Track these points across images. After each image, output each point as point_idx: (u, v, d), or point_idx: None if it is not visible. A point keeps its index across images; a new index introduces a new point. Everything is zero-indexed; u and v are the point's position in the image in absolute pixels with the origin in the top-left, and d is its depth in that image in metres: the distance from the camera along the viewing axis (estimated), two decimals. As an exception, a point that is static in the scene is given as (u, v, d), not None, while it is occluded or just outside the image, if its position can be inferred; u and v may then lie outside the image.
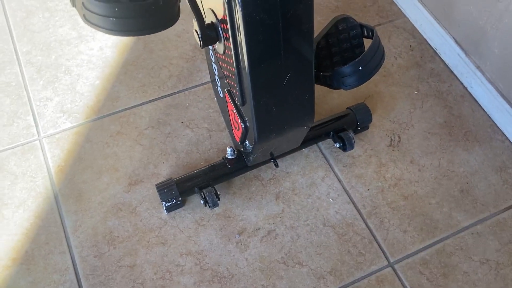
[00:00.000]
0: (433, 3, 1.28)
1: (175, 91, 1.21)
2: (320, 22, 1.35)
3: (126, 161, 1.09)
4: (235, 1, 0.71)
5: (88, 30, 1.30)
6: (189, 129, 1.15)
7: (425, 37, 1.33)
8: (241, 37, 0.75)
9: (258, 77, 0.81)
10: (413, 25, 1.35)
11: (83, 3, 0.62)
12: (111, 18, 0.61)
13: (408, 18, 1.37)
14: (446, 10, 1.24)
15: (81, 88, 1.20)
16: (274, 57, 0.79)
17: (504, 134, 1.16)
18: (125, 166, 1.09)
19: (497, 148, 1.15)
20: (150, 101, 1.19)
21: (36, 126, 1.14)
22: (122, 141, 1.12)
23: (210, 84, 1.22)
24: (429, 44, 1.32)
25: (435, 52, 1.30)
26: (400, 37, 1.33)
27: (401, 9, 1.38)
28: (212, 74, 1.08)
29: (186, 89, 1.22)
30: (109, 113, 1.16)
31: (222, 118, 1.16)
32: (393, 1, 1.40)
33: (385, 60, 1.28)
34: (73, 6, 0.67)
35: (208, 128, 1.16)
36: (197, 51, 1.27)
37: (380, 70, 1.15)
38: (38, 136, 1.12)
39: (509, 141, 1.15)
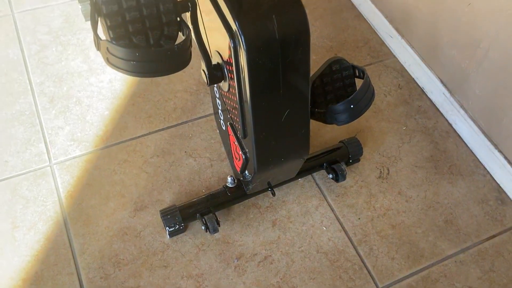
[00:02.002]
0: (420, 45, 1.38)
1: (180, 122, 1.29)
2: (316, 61, 1.44)
3: (132, 187, 1.16)
4: (240, 48, 0.80)
5: (99, 63, 1.39)
6: (192, 158, 1.23)
7: (413, 76, 1.43)
8: (245, 78, 0.84)
9: (259, 114, 0.89)
10: (402, 65, 1.45)
11: (107, 48, 0.70)
12: (132, 62, 0.70)
13: (397, 58, 1.47)
14: (432, 53, 1.35)
15: (91, 118, 1.28)
16: (274, 96, 0.88)
17: (486, 169, 1.25)
18: (131, 192, 1.15)
19: (479, 182, 1.23)
20: (156, 131, 1.27)
21: (48, 153, 1.21)
22: (129, 168, 1.19)
23: (212, 116, 1.30)
24: (416, 83, 1.41)
25: (422, 90, 1.40)
26: (389, 76, 1.43)
27: (391, 50, 1.49)
28: (215, 107, 1.16)
29: (190, 121, 1.30)
30: (117, 142, 1.24)
31: (223, 149, 1.24)
32: (383, 42, 1.51)
33: (375, 97, 1.37)
34: (98, 50, 0.75)
35: (210, 157, 1.23)
36: (200, 86, 1.36)
37: (371, 107, 1.25)
38: (50, 162, 1.19)
39: (490, 175, 1.24)
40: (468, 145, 1.29)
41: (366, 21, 1.56)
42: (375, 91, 1.38)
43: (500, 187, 1.22)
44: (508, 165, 1.18)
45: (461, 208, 1.18)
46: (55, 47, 1.42)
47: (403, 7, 1.40)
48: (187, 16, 0.84)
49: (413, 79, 1.42)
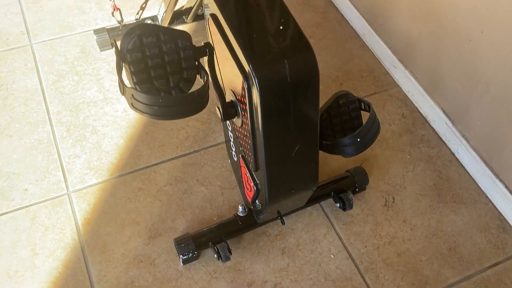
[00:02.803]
0: (423, 76, 1.43)
1: (192, 150, 1.34)
2: (322, 91, 1.48)
3: (147, 215, 1.21)
4: (254, 89, 0.85)
5: (113, 93, 1.45)
6: (204, 186, 1.27)
7: (416, 106, 1.48)
8: (258, 117, 0.89)
9: (271, 149, 0.94)
10: (405, 94, 1.50)
11: (132, 94, 0.75)
12: (155, 107, 0.75)
13: (401, 88, 1.52)
14: (434, 84, 1.40)
15: (106, 146, 1.33)
16: (285, 133, 0.93)
17: (488, 197, 1.29)
18: (145, 220, 1.20)
19: (481, 210, 1.27)
20: (169, 159, 1.32)
21: (65, 182, 1.26)
22: (143, 196, 1.24)
23: (223, 145, 1.35)
24: (420, 112, 1.46)
25: (425, 120, 1.45)
26: (394, 105, 1.48)
27: (395, 79, 1.54)
28: (227, 137, 1.21)
29: (202, 149, 1.35)
30: (132, 171, 1.29)
31: (234, 177, 1.28)
32: (388, 72, 1.56)
33: (380, 126, 1.42)
34: (122, 95, 0.80)
35: (221, 185, 1.28)
36: (211, 115, 1.41)
37: (376, 136, 1.29)
38: (67, 191, 1.24)
39: (492, 203, 1.28)
40: (471, 173, 1.33)
41: (371, 51, 1.61)
42: (380, 120, 1.43)
43: (502, 215, 1.26)
44: (509, 194, 1.23)
45: (464, 236, 1.22)
46: (71, 77, 1.48)
47: (406, 39, 1.45)
48: (204, 60, 0.89)
49: (417, 108, 1.47)
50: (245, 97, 0.89)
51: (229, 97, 0.99)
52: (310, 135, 0.96)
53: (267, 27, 0.89)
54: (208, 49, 0.86)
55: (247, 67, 0.85)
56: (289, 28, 0.90)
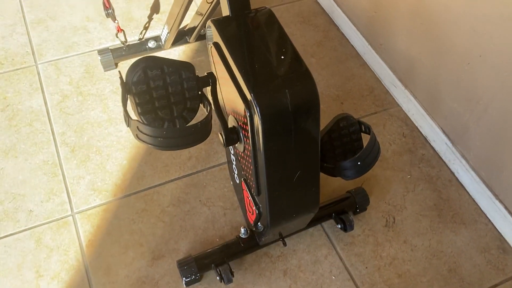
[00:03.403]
0: (423, 96, 1.45)
1: (194, 171, 1.36)
2: (323, 110, 1.51)
3: (150, 237, 1.22)
4: (255, 117, 0.86)
5: (117, 113, 1.47)
6: (206, 207, 1.29)
7: (416, 125, 1.49)
8: (260, 144, 0.90)
9: (272, 175, 0.95)
10: (406, 114, 1.52)
11: (137, 126, 0.77)
12: (159, 138, 0.76)
13: (401, 107, 1.54)
14: (434, 104, 1.41)
15: (110, 167, 1.35)
16: (287, 159, 0.94)
17: (488, 218, 1.30)
18: (148, 241, 1.21)
19: (481, 231, 1.28)
20: (172, 180, 1.33)
21: (70, 203, 1.27)
22: (147, 218, 1.26)
23: (226, 165, 1.37)
24: (420, 132, 1.48)
25: (425, 139, 1.46)
26: (394, 124, 1.50)
27: (395, 99, 1.56)
28: (229, 159, 1.23)
29: (204, 169, 1.36)
30: (135, 191, 1.30)
31: (236, 198, 1.30)
32: (388, 91, 1.58)
33: (380, 149, 1.44)
34: (128, 126, 0.82)
35: (223, 206, 1.29)
36: (214, 135, 1.42)
37: (376, 155, 1.31)
38: (72, 212, 1.26)
39: (492, 224, 1.29)
40: (470, 194, 1.34)
41: (371, 70, 1.63)
42: (381, 140, 1.44)
43: (502, 236, 1.27)
44: (508, 215, 1.24)
45: (464, 257, 1.23)
46: (76, 97, 1.50)
47: (405, 59, 1.47)
48: (207, 89, 0.91)
49: (417, 127, 1.49)
50: (247, 124, 0.91)
51: (231, 123, 1.01)
52: (311, 161, 0.98)
53: (268, 56, 0.91)
54: (211, 80, 0.88)
55: (249, 96, 0.87)
56: (289, 56, 0.92)
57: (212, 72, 0.92)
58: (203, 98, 0.88)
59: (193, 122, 0.93)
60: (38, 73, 1.55)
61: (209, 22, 0.95)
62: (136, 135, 0.78)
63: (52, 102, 1.48)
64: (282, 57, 0.91)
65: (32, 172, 1.32)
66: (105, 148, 1.39)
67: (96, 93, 1.52)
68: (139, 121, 0.78)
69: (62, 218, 1.24)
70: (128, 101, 0.83)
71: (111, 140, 1.40)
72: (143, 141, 0.78)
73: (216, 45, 0.95)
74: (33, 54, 1.61)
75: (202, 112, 0.92)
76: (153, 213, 1.26)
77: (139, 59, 0.80)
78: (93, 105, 1.48)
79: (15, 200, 1.27)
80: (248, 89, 0.87)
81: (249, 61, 0.92)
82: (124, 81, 0.81)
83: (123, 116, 0.87)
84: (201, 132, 0.82)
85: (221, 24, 0.95)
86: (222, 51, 0.93)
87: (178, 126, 0.85)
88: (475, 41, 1.18)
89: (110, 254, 1.19)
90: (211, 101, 0.90)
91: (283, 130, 0.89)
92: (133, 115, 0.88)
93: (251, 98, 0.87)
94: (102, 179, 1.32)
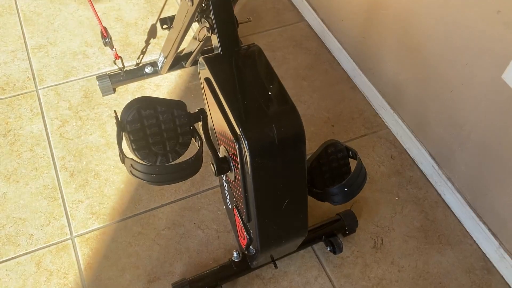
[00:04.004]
0: (410, 120, 1.50)
1: (189, 194, 1.40)
2: (314, 132, 1.57)
3: (146, 259, 1.27)
4: (244, 150, 0.91)
5: (114, 137, 1.50)
6: (200, 230, 1.33)
7: (405, 147, 1.54)
8: (249, 175, 0.95)
9: (261, 203, 1.00)
10: (394, 136, 1.57)
11: (131, 164, 0.82)
12: (152, 175, 0.81)
13: (390, 129, 1.59)
14: (421, 127, 1.46)
15: (108, 191, 1.39)
16: (275, 189, 0.99)
17: (473, 238, 1.34)
18: (144, 264, 1.26)
19: (467, 251, 1.32)
20: (167, 203, 1.38)
21: (69, 227, 1.32)
22: (143, 241, 1.30)
23: (219, 188, 1.42)
24: (408, 154, 1.53)
25: (413, 161, 1.51)
26: (383, 146, 1.55)
27: (384, 121, 1.61)
28: (221, 182, 1.28)
29: (198, 193, 1.41)
30: (132, 215, 1.35)
31: (229, 220, 1.34)
32: (377, 114, 1.63)
33: (370, 168, 1.48)
34: (122, 163, 0.87)
35: (217, 229, 1.34)
36: (208, 157, 1.48)
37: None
38: (71, 235, 1.30)
39: (477, 244, 1.33)
40: (456, 215, 1.39)
41: (361, 92, 1.68)
42: (370, 162, 1.49)
43: (486, 256, 1.31)
44: (492, 237, 1.28)
45: (449, 277, 1.27)
46: (75, 122, 1.55)
47: (393, 84, 1.53)
48: (199, 125, 0.96)
49: (405, 150, 1.54)
50: (237, 156, 0.96)
51: (223, 153, 1.06)
52: (299, 189, 1.03)
53: (256, 92, 0.96)
54: (202, 116, 0.93)
55: (237, 130, 0.92)
56: (276, 92, 0.97)
57: (203, 109, 0.97)
58: (194, 133, 0.93)
59: (186, 154, 0.98)
60: (39, 98, 1.61)
61: (201, 59, 1.01)
62: (130, 171, 0.83)
63: (52, 127, 1.53)
64: (270, 93, 0.96)
65: (32, 196, 1.37)
66: (103, 172, 1.44)
67: (95, 117, 1.57)
68: (132, 159, 0.83)
69: (61, 241, 1.29)
70: (124, 140, 0.88)
71: (109, 164, 1.45)
72: (137, 177, 0.83)
73: (208, 81, 1.00)
74: (34, 80, 1.66)
75: (194, 145, 0.97)
76: (149, 236, 1.31)
77: (134, 99, 0.85)
78: (92, 129, 1.54)
79: (16, 224, 1.32)
80: (236, 123, 0.92)
81: (238, 97, 0.97)
82: (119, 120, 0.86)
83: (120, 159, 0.92)
84: (192, 167, 0.86)
85: (212, 61, 1.00)
86: (213, 87, 0.99)
87: (171, 160, 0.90)
88: (457, 70, 1.24)
89: (108, 277, 1.23)
90: (202, 135, 0.95)
91: (270, 162, 0.94)
92: (128, 151, 0.93)
93: (239, 132, 0.92)
94: (100, 202, 1.37)
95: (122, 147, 0.85)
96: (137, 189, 1.41)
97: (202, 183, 1.43)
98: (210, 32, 1.01)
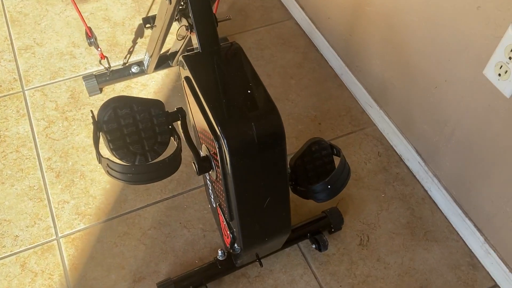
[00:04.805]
0: (396, 117, 1.50)
1: (175, 193, 1.40)
2: (301, 131, 1.56)
3: (131, 259, 1.26)
4: (224, 149, 0.91)
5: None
6: (186, 229, 1.33)
7: (391, 144, 1.54)
8: (229, 174, 0.95)
9: (243, 202, 1.00)
10: (381, 133, 1.57)
11: (107, 164, 0.82)
12: (129, 174, 0.81)
13: (377, 127, 1.59)
14: (406, 124, 1.46)
15: (94, 191, 1.39)
16: (256, 188, 0.99)
17: (459, 235, 1.35)
18: (130, 264, 1.26)
19: (453, 248, 1.32)
20: (153, 203, 1.38)
21: (55, 227, 1.32)
22: (128, 241, 1.30)
23: (204, 187, 1.41)
24: (395, 150, 1.53)
25: (400, 158, 1.51)
26: (370, 143, 1.55)
27: (371, 118, 1.61)
28: (206, 183, 1.28)
29: (185, 192, 1.41)
30: (118, 215, 1.35)
31: (214, 219, 1.34)
32: (364, 111, 1.63)
33: (356, 165, 1.48)
34: (99, 163, 0.87)
35: (203, 228, 1.34)
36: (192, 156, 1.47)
37: (352, 174, 1.36)
38: (56, 236, 1.30)
39: (463, 241, 1.33)
40: (443, 211, 1.39)
41: (348, 90, 1.68)
42: (357, 159, 1.49)
43: (472, 252, 1.31)
44: (477, 232, 1.28)
45: (435, 273, 1.27)
46: (61, 123, 1.55)
47: (379, 81, 1.53)
48: (178, 124, 0.96)
49: (392, 146, 1.54)
50: (217, 155, 0.96)
51: (204, 152, 1.06)
52: (280, 188, 1.02)
53: (235, 91, 0.96)
54: (180, 114, 0.93)
55: (217, 129, 0.92)
56: (256, 90, 0.97)
57: (181, 108, 0.96)
58: (173, 132, 0.93)
59: (166, 153, 0.98)
60: (25, 99, 1.60)
61: (180, 58, 1.00)
62: (107, 171, 0.83)
63: (39, 127, 1.53)
64: (249, 91, 0.96)
65: (18, 197, 1.37)
66: (89, 172, 1.43)
67: (81, 118, 1.56)
68: (109, 159, 0.83)
69: (47, 242, 1.29)
70: (101, 140, 0.88)
71: (95, 164, 1.45)
72: (114, 177, 0.83)
73: (187, 79, 1.00)
74: (20, 81, 1.65)
75: (173, 145, 0.97)
76: (134, 236, 1.31)
77: (110, 99, 0.85)
78: (78, 130, 1.53)
79: (1, 225, 1.31)
80: (216, 122, 0.92)
81: (218, 96, 0.97)
82: (96, 119, 0.86)
83: (97, 159, 0.91)
84: (170, 166, 0.86)
85: (192, 60, 1.00)
86: (193, 85, 0.98)
87: (150, 159, 0.89)
88: (441, 67, 1.23)
89: (93, 277, 1.23)
90: (182, 135, 0.95)
91: (250, 161, 0.94)
92: (106, 151, 0.93)
93: (219, 131, 0.92)
94: (86, 203, 1.37)
95: (100, 147, 0.85)
96: (123, 189, 1.40)
97: (188, 182, 1.43)
98: (189, 31, 1.01)
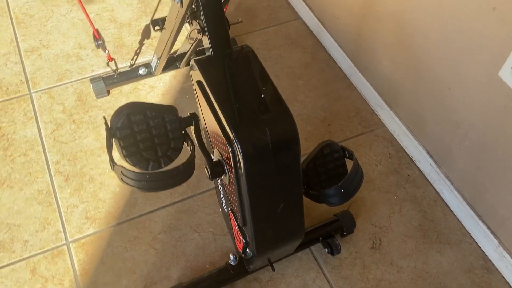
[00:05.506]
0: (407, 118, 1.49)
1: (185, 197, 1.39)
2: (310, 132, 1.55)
3: (142, 264, 1.25)
4: (237, 154, 0.90)
5: (109, 140, 1.50)
6: (197, 233, 1.32)
7: (402, 145, 1.53)
8: (243, 179, 0.94)
9: (256, 208, 0.99)
10: (391, 134, 1.55)
11: (122, 171, 0.80)
12: (143, 182, 0.80)
13: (387, 128, 1.57)
14: (418, 126, 1.45)
15: (103, 195, 1.38)
16: (270, 193, 0.98)
17: (472, 237, 1.33)
18: (141, 269, 1.25)
19: (466, 250, 1.31)
20: (163, 207, 1.37)
21: (64, 232, 1.31)
22: (139, 245, 1.29)
23: (215, 190, 1.40)
24: (406, 152, 1.51)
25: (411, 159, 1.50)
26: (380, 145, 1.53)
27: (381, 119, 1.59)
28: (217, 187, 1.26)
29: (195, 195, 1.40)
30: (128, 219, 1.34)
31: (225, 223, 1.33)
32: (374, 112, 1.61)
33: (367, 167, 1.46)
34: (113, 170, 0.85)
35: (213, 232, 1.32)
36: (203, 160, 1.46)
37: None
38: (66, 241, 1.29)
39: (476, 243, 1.32)
40: (455, 214, 1.37)
41: (357, 91, 1.67)
42: (367, 161, 1.48)
43: (486, 255, 1.30)
44: (491, 235, 1.27)
45: (449, 277, 1.26)
46: (69, 126, 1.54)
47: (389, 82, 1.51)
48: (191, 129, 0.95)
49: (402, 148, 1.52)
50: (230, 160, 0.94)
51: (217, 156, 1.04)
52: (294, 193, 1.01)
53: (248, 95, 0.95)
54: (193, 120, 0.92)
55: (230, 134, 0.91)
56: (269, 94, 0.96)
57: (194, 113, 0.95)
58: (186, 138, 0.91)
59: (179, 158, 0.97)
60: (32, 102, 1.59)
61: (192, 62, 0.99)
62: (121, 178, 0.82)
63: (46, 131, 1.52)
64: (262, 95, 0.95)
65: (27, 202, 1.36)
66: (98, 176, 1.42)
67: (89, 120, 1.55)
68: (123, 166, 0.82)
69: (57, 247, 1.28)
70: (114, 146, 0.86)
71: (104, 167, 1.44)
72: (128, 184, 0.81)
73: (200, 83, 0.99)
74: (27, 83, 1.64)
75: (186, 150, 0.95)
76: (145, 241, 1.30)
77: (123, 105, 0.84)
78: (86, 133, 1.52)
79: (10, 230, 1.30)
80: (229, 127, 0.91)
81: (230, 100, 0.95)
82: (109, 126, 0.85)
83: (110, 166, 0.90)
84: (184, 173, 0.85)
85: (204, 63, 0.99)
86: (206, 90, 0.97)
87: (163, 165, 0.88)
88: (454, 68, 1.22)
89: (104, 282, 1.22)
90: (195, 140, 0.94)
91: (264, 166, 0.93)
92: (119, 157, 0.92)
93: (232, 136, 0.90)
94: (95, 207, 1.36)
95: (113, 153, 0.84)
96: (133, 192, 1.39)
97: (198, 185, 1.42)
98: (201, 34, 0.99)
